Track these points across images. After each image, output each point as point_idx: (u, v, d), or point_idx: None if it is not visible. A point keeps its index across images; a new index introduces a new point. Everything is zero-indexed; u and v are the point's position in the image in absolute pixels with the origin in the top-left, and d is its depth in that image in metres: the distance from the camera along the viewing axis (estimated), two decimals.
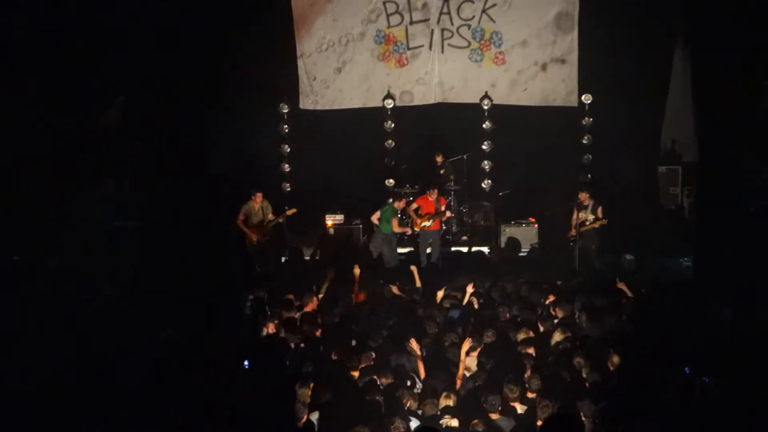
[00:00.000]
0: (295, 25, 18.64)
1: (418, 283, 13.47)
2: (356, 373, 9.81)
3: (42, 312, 12.70)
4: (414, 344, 10.36)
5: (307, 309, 12.07)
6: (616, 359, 9.78)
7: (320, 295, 12.69)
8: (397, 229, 16.55)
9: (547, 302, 12.13)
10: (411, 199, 17.70)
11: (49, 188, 15.52)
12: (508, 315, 11.69)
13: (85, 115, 16.51)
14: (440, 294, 12.71)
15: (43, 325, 12.05)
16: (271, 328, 11.23)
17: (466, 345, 9.98)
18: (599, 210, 16.03)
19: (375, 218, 16.63)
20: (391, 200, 17.44)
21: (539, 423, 8.44)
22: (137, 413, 8.89)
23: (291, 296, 12.66)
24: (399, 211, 16.83)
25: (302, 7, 18.61)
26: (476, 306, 12.17)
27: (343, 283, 13.41)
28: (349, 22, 18.74)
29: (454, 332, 10.86)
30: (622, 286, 13.00)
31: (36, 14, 15.65)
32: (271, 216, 16.44)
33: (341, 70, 18.89)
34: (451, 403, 8.91)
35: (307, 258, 17.62)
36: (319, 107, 19.03)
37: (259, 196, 16.33)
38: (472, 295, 12.42)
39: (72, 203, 16.00)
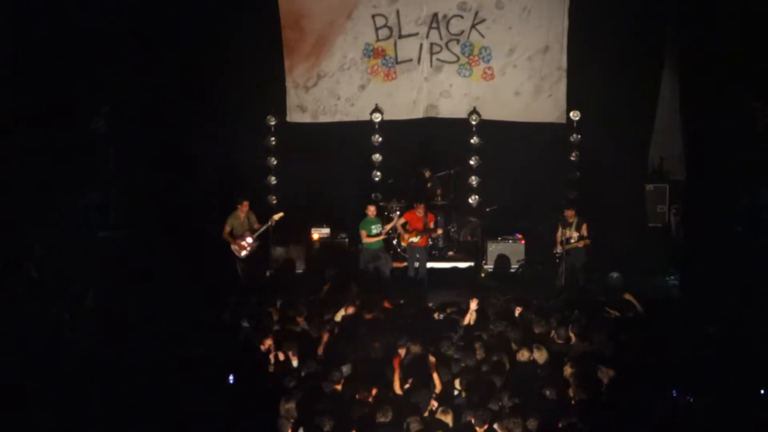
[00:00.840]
0: (284, 38, 18.58)
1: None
2: (339, 387, 9.80)
3: (23, 321, 12.63)
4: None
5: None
6: (603, 376, 9.76)
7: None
8: (366, 239, 16.40)
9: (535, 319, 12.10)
10: (399, 212, 17.67)
11: (32, 197, 15.40)
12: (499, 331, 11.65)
13: (70, 124, 16.41)
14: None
15: (24, 334, 11.98)
16: (267, 344, 11.19)
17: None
18: (584, 227, 16.00)
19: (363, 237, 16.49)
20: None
21: None
22: (119, 424, 8.82)
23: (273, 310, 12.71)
24: (371, 220, 16.50)
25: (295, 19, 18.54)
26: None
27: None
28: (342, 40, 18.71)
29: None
30: (629, 297, 12.99)
31: (22, 22, 15.57)
32: (257, 225, 16.31)
33: (330, 84, 18.83)
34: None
35: (300, 271, 17.57)
36: (306, 120, 18.95)
37: (245, 204, 16.21)
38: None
39: (56, 212, 15.88)
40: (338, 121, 18.91)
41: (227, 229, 16.09)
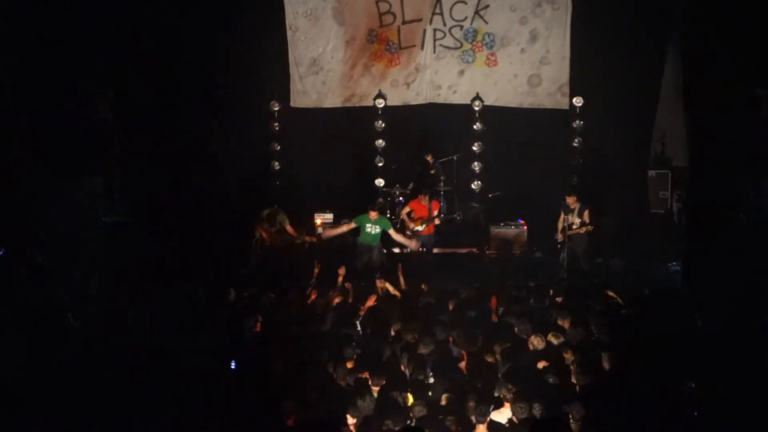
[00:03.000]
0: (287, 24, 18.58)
1: (403, 284, 13.44)
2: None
3: (28, 307, 12.66)
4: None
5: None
6: (606, 363, 9.79)
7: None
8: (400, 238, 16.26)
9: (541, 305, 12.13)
10: (402, 201, 17.70)
11: (36, 183, 15.43)
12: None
13: (75, 110, 16.42)
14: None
15: (29, 320, 12.01)
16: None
17: None
18: (586, 213, 16.01)
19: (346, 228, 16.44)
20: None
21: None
22: (123, 412, 8.85)
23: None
24: (368, 219, 16.18)
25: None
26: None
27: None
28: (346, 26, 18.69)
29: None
30: (610, 293, 13.00)
31: (28, 8, 15.56)
32: (288, 228, 16.62)
33: (333, 69, 18.82)
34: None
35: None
36: (309, 106, 18.96)
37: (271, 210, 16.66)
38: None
39: (60, 198, 15.91)
40: (341, 106, 18.91)
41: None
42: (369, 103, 18.62)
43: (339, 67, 18.82)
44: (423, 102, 18.92)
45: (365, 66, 18.83)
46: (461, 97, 18.79)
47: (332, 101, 18.95)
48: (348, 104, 18.96)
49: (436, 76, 18.82)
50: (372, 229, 15.89)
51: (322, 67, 18.83)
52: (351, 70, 18.85)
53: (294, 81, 18.84)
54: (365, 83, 18.87)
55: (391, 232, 15.97)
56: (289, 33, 18.56)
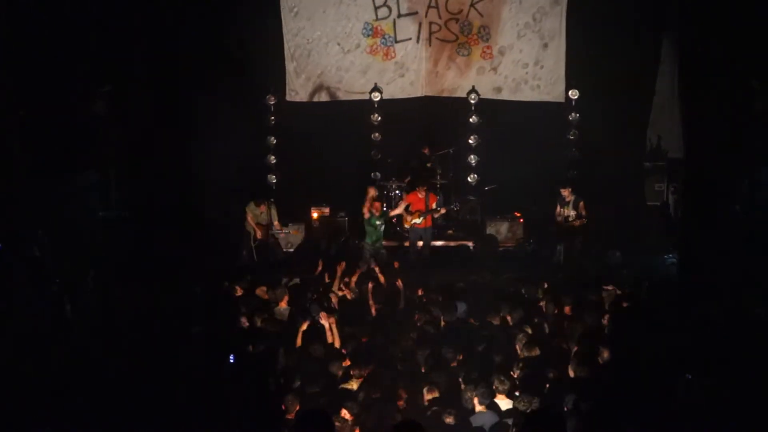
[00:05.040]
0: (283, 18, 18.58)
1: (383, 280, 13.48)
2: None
3: (26, 301, 12.67)
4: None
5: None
6: (604, 355, 9.81)
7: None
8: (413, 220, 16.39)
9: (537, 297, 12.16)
10: (398, 192, 17.75)
11: (32, 177, 15.41)
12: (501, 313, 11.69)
13: (68, 105, 16.39)
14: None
15: (27, 314, 12.02)
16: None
17: None
18: (581, 205, 16.05)
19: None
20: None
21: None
22: (121, 406, 8.86)
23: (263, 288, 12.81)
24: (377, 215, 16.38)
25: None
26: None
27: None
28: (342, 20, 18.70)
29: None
30: (607, 287, 13.03)
31: (24, 2, 15.52)
32: (276, 224, 16.81)
33: (329, 63, 18.83)
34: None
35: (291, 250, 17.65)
36: (305, 100, 18.96)
37: (263, 207, 16.71)
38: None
39: (56, 192, 15.89)
40: (337, 100, 18.92)
41: (250, 216, 16.69)
42: (365, 96, 18.62)
43: (334, 61, 18.80)
44: (419, 95, 18.91)
45: (361, 59, 18.82)
46: (457, 91, 18.80)
47: (328, 95, 18.92)
48: (343, 98, 18.94)
49: (432, 70, 18.81)
50: (381, 225, 15.99)
51: (317, 61, 18.79)
52: (347, 63, 18.84)
53: (289, 75, 18.81)
54: (361, 77, 18.86)
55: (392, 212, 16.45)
56: (285, 27, 18.55)
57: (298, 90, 18.93)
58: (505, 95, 18.80)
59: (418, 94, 18.92)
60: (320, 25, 18.62)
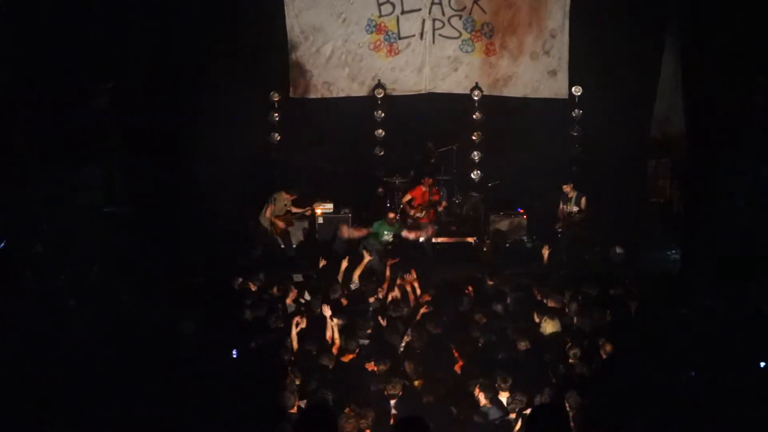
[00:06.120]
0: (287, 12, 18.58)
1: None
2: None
3: (29, 298, 12.70)
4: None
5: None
6: (606, 351, 9.83)
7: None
8: (409, 234, 16.25)
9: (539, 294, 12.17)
10: (400, 194, 17.80)
11: (36, 173, 15.45)
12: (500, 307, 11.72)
13: (72, 100, 16.41)
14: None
15: (30, 311, 12.04)
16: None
17: None
18: (583, 201, 16.05)
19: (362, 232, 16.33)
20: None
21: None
22: (124, 401, 8.89)
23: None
24: (391, 227, 16.33)
25: None
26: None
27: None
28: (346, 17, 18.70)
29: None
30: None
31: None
32: (293, 209, 17.10)
33: (332, 60, 18.83)
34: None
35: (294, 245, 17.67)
36: (309, 96, 18.97)
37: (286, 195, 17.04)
38: None
39: (60, 188, 15.93)
40: (340, 96, 18.93)
41: (270, 208, 16.86)
42: (368, 93, 18.63)
43: (337, 57, 18.80)
44: (422, 92, 18.91)
45: (364, 56, 18.82)
46: (460, 87, 18.79)
47: (331, 92, 18.92)
48: (347, 95, 18.93)
49: (436, 66, 18.82)
50: (388, 234, 15.94)
51: (319, 58, 18.80)
52: (350, 60, 18.83)
53: (293, 71, 18.79)
54: (364, 73, 18.84)
55: (405, 233, 16.21)
56: (288, 22, 18.56)
57: (301, 87, 18.92)
58: (508, 92, 18.79)
59: (422, 91, 18.91)
60: (323, 22, 18.60)
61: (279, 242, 16.95)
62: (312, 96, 18.94)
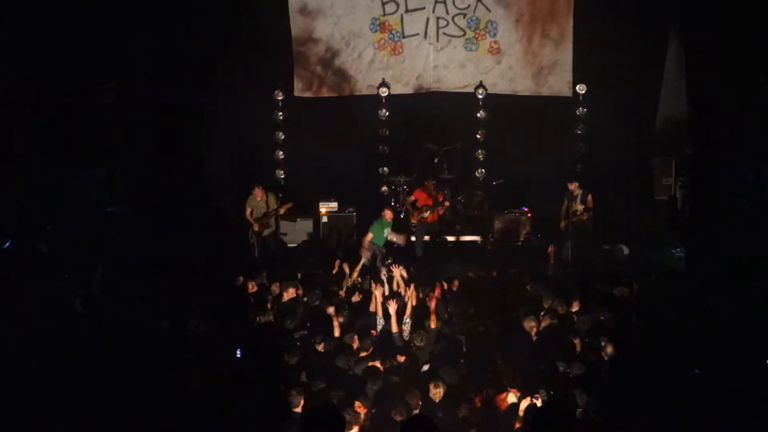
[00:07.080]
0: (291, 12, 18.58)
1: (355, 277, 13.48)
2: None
3: (33, 298, 12.70)
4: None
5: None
6: (609, 350, 9.82)
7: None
8: (392, 237, 16.11)
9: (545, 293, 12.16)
10: (405, 187, 17.78)
11: (40, 173, 15.45)
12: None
13: (76, 100, 16.41)
14: None
15: (35, 310, 12.05)
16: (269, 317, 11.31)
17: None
18: (589, 199, 16.03)
19: (367, 239, 15.97)
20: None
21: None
22: (128, 400, 8.89)
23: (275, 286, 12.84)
24: (389, 222, 16.05)
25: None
26: None
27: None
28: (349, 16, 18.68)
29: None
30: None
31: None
32: (274, 206, 16.56)
33: (336, 58, 18.82)
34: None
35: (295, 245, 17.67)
36: (313, 95, 18.96)
37: (257, 191, 16.47)
38: None
39: (64, 188, 15.93)
40: (345, 95, 18.91)
41: (249, 210, 16.49)
42: (372, 91, 18.63)
43: (341, 57, 18.80)
44: (427, 91, 18.90)
45: (368, 55, 18.83)
46: (465, 86, 18.77)
47: (335, 91, 18.93)
48: (351, 93, 18.92)
49: (440, 65, 18.80)
50: (387, 230, 15.90)
51: (323, 57, 18.78)
52: (354, 59, 18.84)
53: (297, 71, 18.79)
54: (368, 72, 18.84)
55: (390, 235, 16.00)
56: (292, 22, 18.54)
57: (305, 85, 18.92)
58: (512, 90, 18.77)
59: (426, 90, 18.90)
60: (327, 20, 18.59)
61: (255, 247, 16.61)
62: (316, 95, 18.90)
